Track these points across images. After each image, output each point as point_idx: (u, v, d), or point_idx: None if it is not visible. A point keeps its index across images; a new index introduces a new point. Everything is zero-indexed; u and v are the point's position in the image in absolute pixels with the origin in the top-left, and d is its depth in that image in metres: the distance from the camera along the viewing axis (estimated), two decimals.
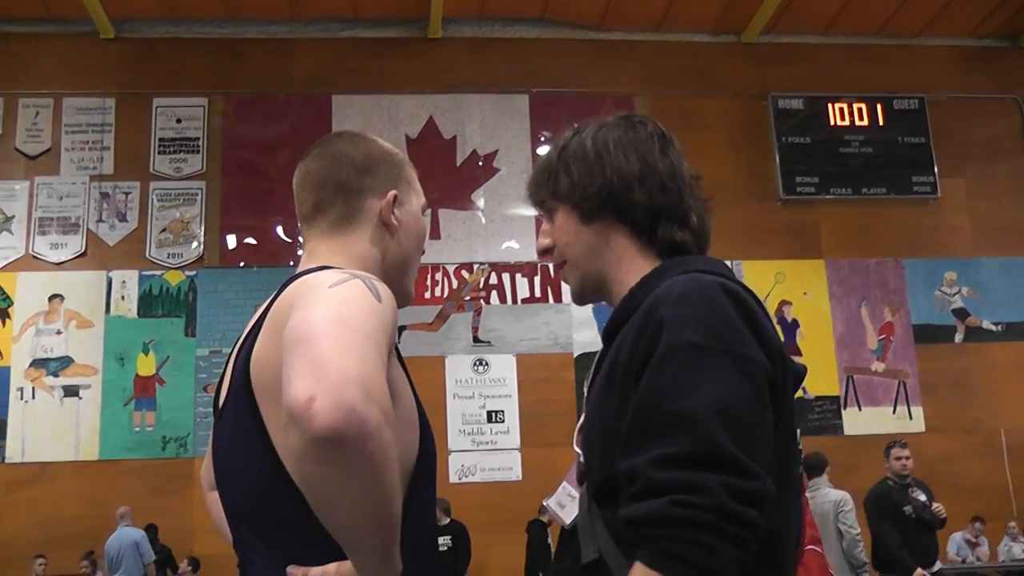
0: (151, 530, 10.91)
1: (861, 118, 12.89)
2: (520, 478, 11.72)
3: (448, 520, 10.50)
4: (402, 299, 1.78)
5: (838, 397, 12.47)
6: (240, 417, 1.57)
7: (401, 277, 1.82)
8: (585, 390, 1.71)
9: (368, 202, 1.77)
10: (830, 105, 12.91)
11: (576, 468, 1.69)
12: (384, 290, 1.51)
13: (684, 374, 1.37)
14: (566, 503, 1.74)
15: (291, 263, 11.71)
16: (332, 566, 1.47)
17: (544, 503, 1.83)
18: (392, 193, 1.78)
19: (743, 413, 1.36)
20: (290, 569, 1.49)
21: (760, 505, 1.33)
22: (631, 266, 1.65)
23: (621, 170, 1.64)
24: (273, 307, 1.58)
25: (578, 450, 1.65)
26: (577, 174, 1.68)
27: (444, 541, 10.40)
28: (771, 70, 12.94)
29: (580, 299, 1.78)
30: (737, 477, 1.31)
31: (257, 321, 1.63)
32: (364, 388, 1.25)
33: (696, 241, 1.68)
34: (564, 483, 1.80)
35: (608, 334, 1.62)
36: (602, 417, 1.52)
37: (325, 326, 1.33)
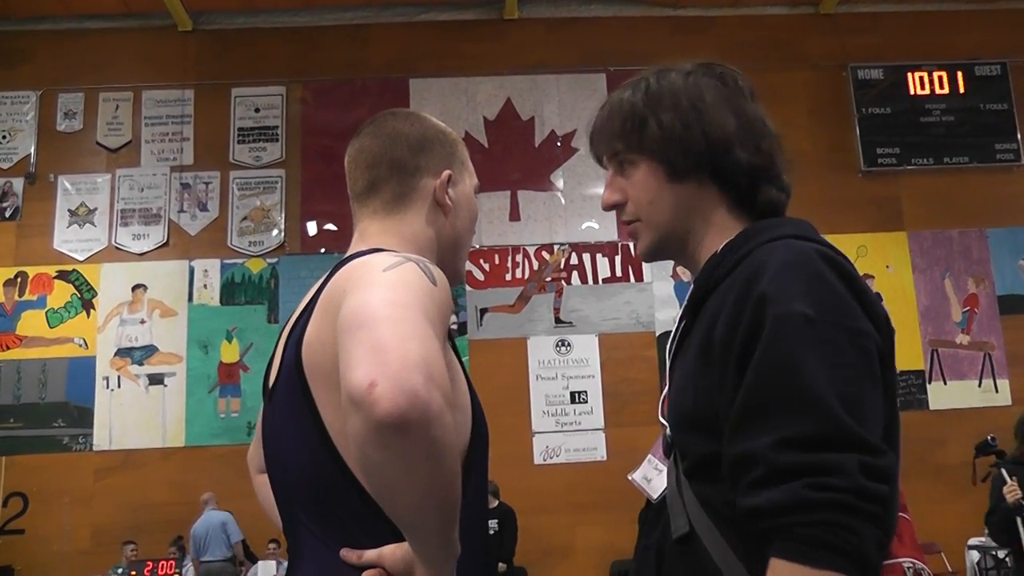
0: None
1: (942, 86, 11.68)
2: (605, 458, 10.75)
3: (497, 503, 9.78)
4: (454, 279, 1.68)
5: (923, 371, 11.28)
6: (291, 399, 1.46)
7: (454, 257, 1.70)
8: (668, 359, 1.51)
9: (423, 181, 1.65)
10: (910, 74, 11.71)
11: (662, 441, 1.54)
12: (438, 273, 1.40)
13: (798, 349, 1.20)
14: (652, 476, 1.61)
15: None
16: (388, 548, 1.38)
17: (629, 477, 1.69)
18: (446, 173, 1.66)
19: (860, 389, 1.22)
20: (344, 552, 1.41)
21: (889, 481, 1.19)
22: (719, 229, 1.46)
23: (721, 126, 1.43)
24: (325, 289, 1.46)
25: (664, 422, 1.49)
26: (670, 126, 1.44)
27: (491, 524, 9.71)
28: (850, 40, 11.75)
29: (651, 257, 1.56)
30: (867, 455, 1.17)
31: (309, 303, 1.50)
32: (426, 372, 1.15)
33: (787, 199, 1.50)
34: (650, 456, 1.68)
35: (695, 302, 1.42)
36: (696, 393, 1.35)
37: (384, 310, 1.23)
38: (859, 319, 1.27)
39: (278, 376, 1.52)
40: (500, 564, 9.62)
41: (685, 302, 1.49)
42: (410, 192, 1.64)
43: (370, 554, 1.39)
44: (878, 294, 11.30)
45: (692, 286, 1.47)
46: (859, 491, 1.15)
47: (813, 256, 1.30)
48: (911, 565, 3.89)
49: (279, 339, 1.60)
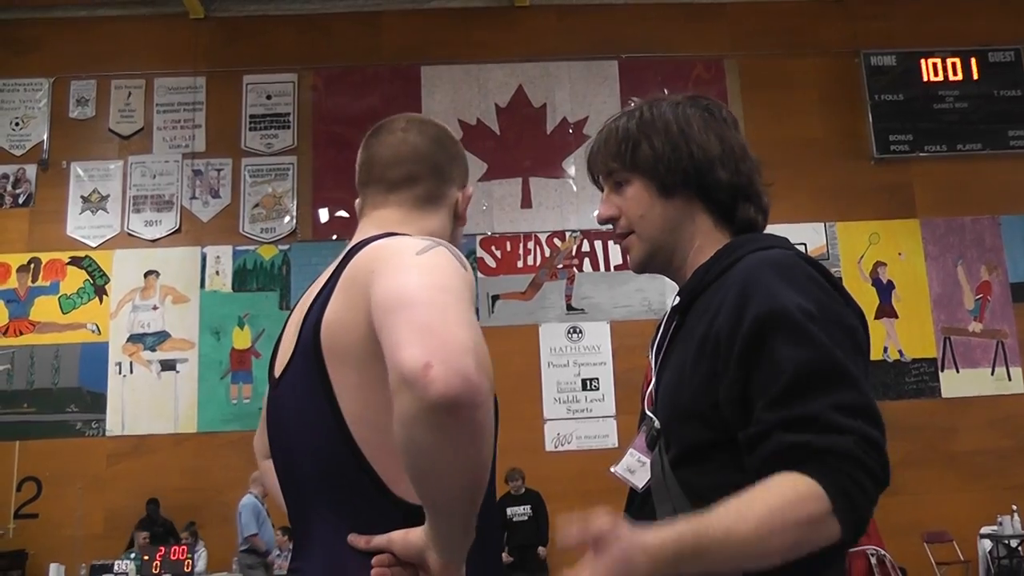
0: (152, 504, 10.03)
1: (955, 73, 11.37)
2: (616, 445, 10.48)
3: (524, 490, 9.80)
4: None
5: (935, 359, 11.02)
6: (306, 382, 1.43)
7: None
8: (652, 357, 1.60)
9: (451, 190, 1.69)
10: (923, 61, 11.41)
11: (644, 434, 1.57)
12: (464, 259, 1.39)
13: (819, 335, 1.31)
14: (635, 468, 1.59)
15: None
16: (398, 533, 1.36)
17: (612, 470, 1.64)
18: (471, 189, 1.73)
19: (864, 375, 1.34)
20: (351, 537, 1.39)
21: None
22: (704, 242, 1.56)
23: (706, 149, 1.55)
24: (346, 272, 1.42)
25: (650, 415, 1.54)
26: (660, 148, 1.55)
27: (525, 510, 9.72)
28: (862, 26, 11.44)
29: (643, 269, 1.64)
30: (882, 434, 1.29)
31: (324, 287, 1.47)
32: (476, 357, 1.16)
33: (764, 221, 1.60)
34: (631, 450, 1.65)
35: (685, 304, 1.52)
36: (694, 386, 1.42)
37: (426, 292, 1.24)
38: (850, 316, 1.39)
39: (290, 361, 1.50)
40: (540, 549, 9.59)
41: (672, 305, 1.57)
42: (440, 196, 1.67)
43: (379, 539, 1.38)
44: (890, 281, 11.08)
45: (680, 292, 1.55)
46: (883, 467, 1.27)
47: (801, 262, 1.43)
48: (874, 552, 3.98)
49: (285, 326, 1.59)
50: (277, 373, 1.55)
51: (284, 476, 1.56)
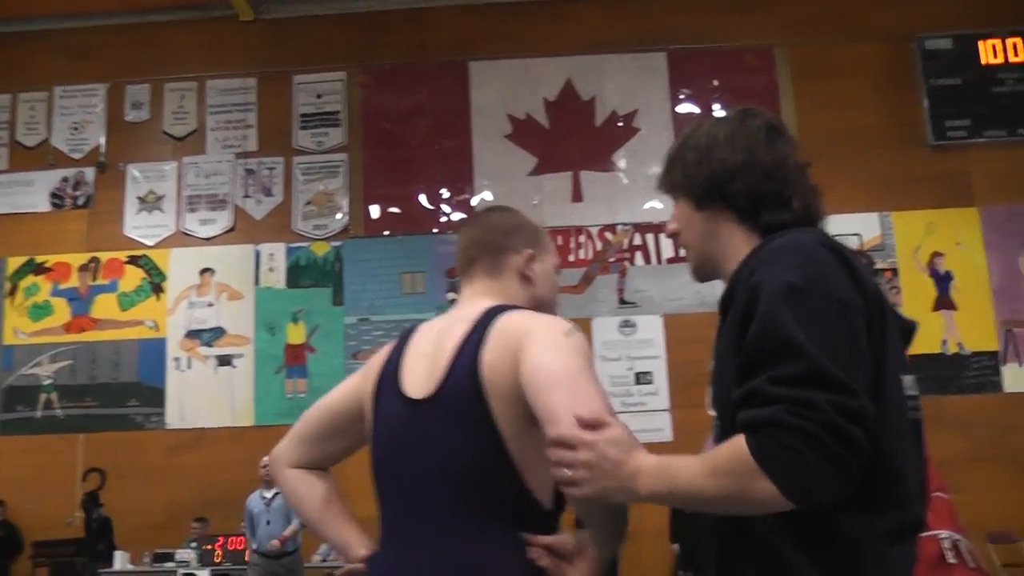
0: (90, 499, 9.97)
1: (1015, 54, 10.83)
2: (671, 439, 10.24)
3: None
4: None
5: (996, 352, 10.53)
6: (466, 408, 1.73)
7: None
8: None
9: (510, 257, 1.98)
10: (981, 43, 10.89)
11: (714, 432, 1.66)
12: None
13: (783, 311, 1.38)
14: None
15: (434, 230, 10.95)
16: (565, 535, 1.73)
17: None
18: (528, 251, 1.99)
19: (839, 344, 1.38)
20: (527, 536, 1.69)
21: (862, 422, 1.34)
22: (739, 248, 1.65)
23: (726, 162, 1.65)
24: (497, 326, 1.77)
25: (713, 413, 1.65)
26: (690, 165, 1.69)
27: None
28: (916, 10, 10.95)
29: (699, 277, 1.78)
30: (841, 395, 1.33)
31: (469, 335, 1.79)
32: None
33: (800, 222, 1.62)
34: (705, 448, 1.80)
35: (724, 306, 1.61)
36: (727, 376, 1.51)
37: (572, 373, 1.63)
38: (845, 291, 1.42)
39: (441, 388, 1.77)
40: None
41: (719, 308, 1.65)
42: (501, 265, 1.97)
43: (547, 539, 1.71)
44: (948, 272, 10.67)
45: (722, 294, 1.63)
46: (827, 425, 1.30)
47: (809, 239, 1.50)
48: (948, 536, 3.76)
49: (404, 353, 1.90)
50: (414, 395, 1.81)
51: (406, 483, 1.81)
